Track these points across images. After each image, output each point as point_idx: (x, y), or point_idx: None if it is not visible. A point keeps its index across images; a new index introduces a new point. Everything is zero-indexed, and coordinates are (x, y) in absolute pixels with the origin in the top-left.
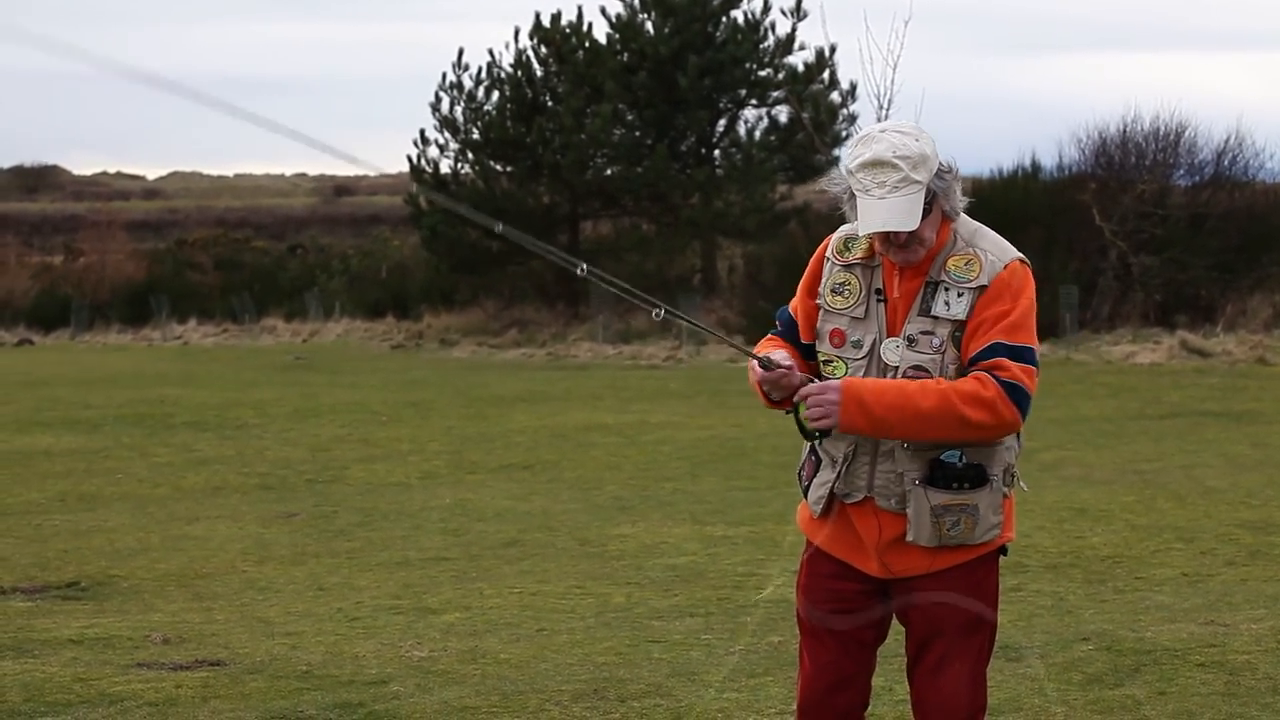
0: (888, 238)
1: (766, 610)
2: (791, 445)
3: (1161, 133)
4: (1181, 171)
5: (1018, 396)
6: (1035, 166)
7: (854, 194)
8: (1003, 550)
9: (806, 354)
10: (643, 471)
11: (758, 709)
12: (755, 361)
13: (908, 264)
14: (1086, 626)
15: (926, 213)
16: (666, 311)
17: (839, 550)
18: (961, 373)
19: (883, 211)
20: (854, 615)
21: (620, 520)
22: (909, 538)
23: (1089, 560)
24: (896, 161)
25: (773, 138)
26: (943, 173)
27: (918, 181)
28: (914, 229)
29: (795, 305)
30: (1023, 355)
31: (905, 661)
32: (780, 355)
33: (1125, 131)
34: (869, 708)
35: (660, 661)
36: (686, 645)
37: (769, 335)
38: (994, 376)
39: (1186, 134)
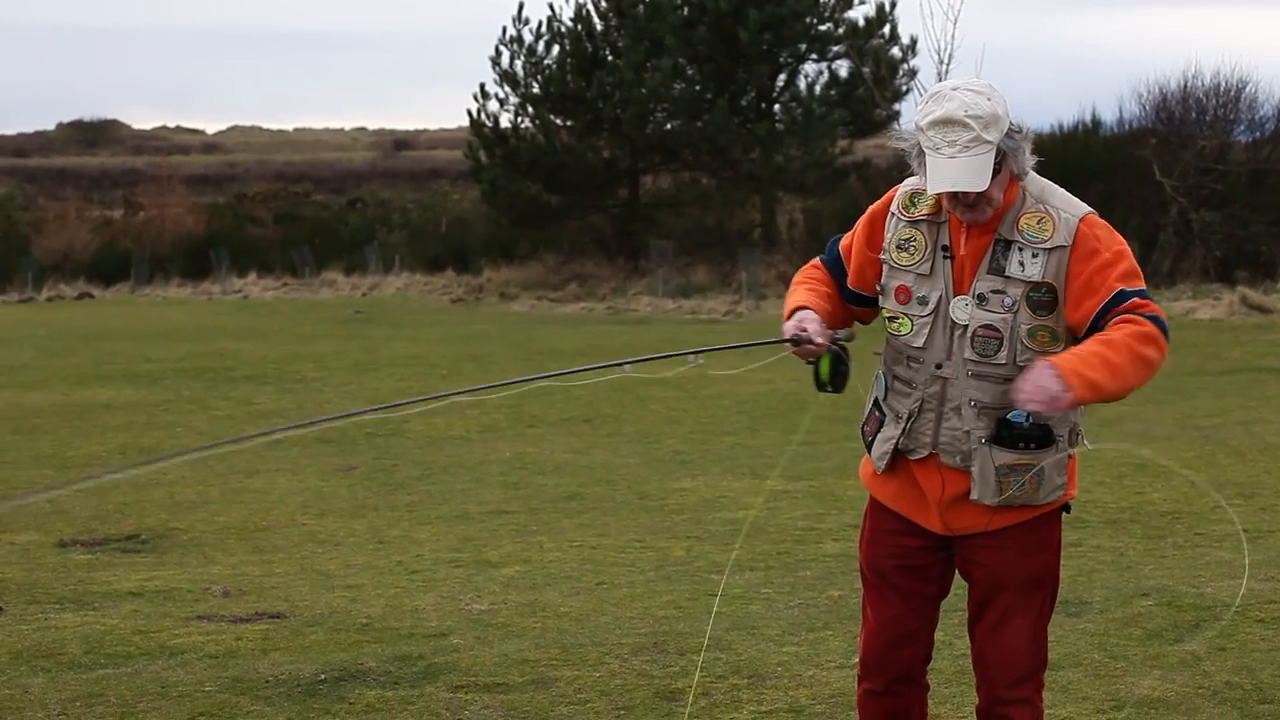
0: (955, 196)
1: (826, 564)
2: (851, 400)
3: (1222, 88)
4: (1242, 127)
5: (1165, 327)
6: (1096, 122)
7: (923, 151)
8: (1066, 508)
9: (850, 298)
10: (702, 426)
11: (817, 662)
12: (788, 328)
13: (975, 223)
14: (1146, 582)
15: (996, 172)
16: (699, 353)
17: (902, 506)
18: (1093, 328)
19: (952, 171)
20: (917, 570)
21: (680, 474)
22: (972, 496)
23: (1149, 516)
24: (968, 120)
25: (833, 92)
26: (1013, 132)
27: (989, 141)
28: (983, 189)
29: (849, 246)
30: (1147, 295)
31: (966, 617)
32: (812, 320)
33: (1186, 87)
34: (931, 662)
35: (720, 615)
36: (746, 599)
37: (814, 261)
38: (1141, 315)
39: (1247, 90)
